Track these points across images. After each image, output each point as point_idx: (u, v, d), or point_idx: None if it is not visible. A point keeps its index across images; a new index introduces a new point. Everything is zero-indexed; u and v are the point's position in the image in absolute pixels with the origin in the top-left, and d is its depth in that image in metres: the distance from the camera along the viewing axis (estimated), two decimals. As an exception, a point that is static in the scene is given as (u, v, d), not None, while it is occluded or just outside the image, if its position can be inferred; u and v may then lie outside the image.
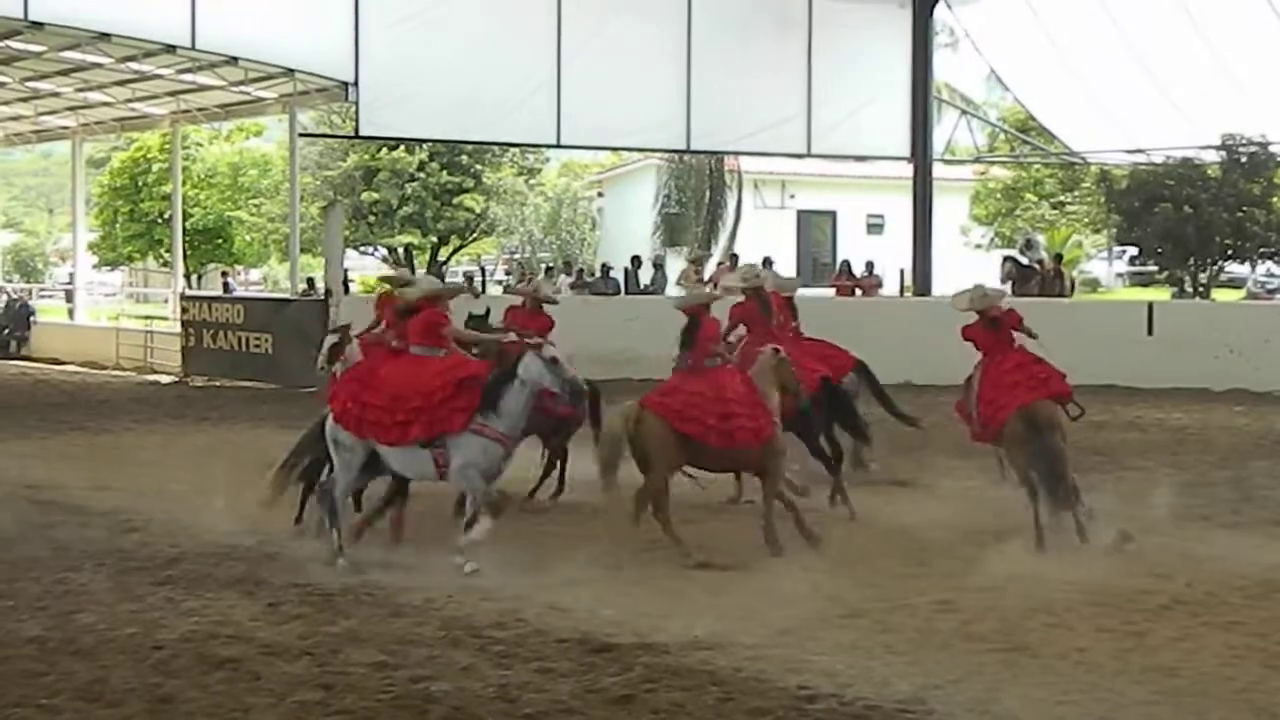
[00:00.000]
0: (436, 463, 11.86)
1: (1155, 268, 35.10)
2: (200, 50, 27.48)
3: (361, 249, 49.22)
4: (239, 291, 42.29)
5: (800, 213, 48.94)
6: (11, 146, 46.05)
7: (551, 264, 38.46)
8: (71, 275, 42.80)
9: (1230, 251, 32.24)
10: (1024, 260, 30.79)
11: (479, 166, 46.43)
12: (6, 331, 37.26)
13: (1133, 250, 35.22)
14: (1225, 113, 30.95)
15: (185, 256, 41.35)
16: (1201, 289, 32.21)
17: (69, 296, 42.15)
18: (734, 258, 35.12)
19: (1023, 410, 12.96)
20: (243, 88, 30.76)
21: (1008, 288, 30.10)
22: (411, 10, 28.29)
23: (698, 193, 45.59)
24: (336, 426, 12.12)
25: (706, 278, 32.17)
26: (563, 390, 12.27)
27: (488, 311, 16.34)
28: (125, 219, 47.46)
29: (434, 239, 47.37)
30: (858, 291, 31.38)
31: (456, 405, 11.83)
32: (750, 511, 13.70)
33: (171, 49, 27.59)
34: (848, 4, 31.78)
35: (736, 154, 40.59)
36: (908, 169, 33.94)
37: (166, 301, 39.33)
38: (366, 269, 49.84)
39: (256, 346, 27.87)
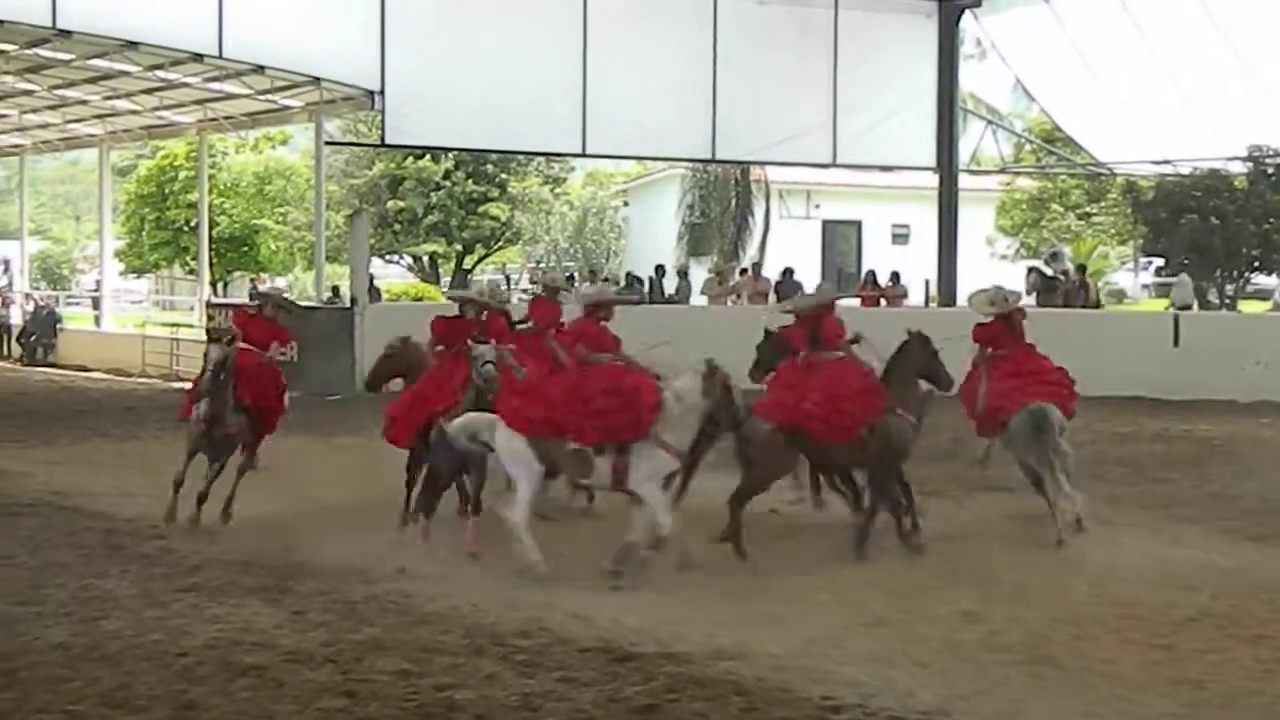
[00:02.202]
0: None
1: (1182, 279, 35.02)
2: (227, 59, 27.57)
3: (387, 257, 49.34)
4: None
5: (825, 223, 48.87)
6: (39, 154, 46.20)
7: (575, 272, 38.46)
8: (98, 282, 42.93)
9: (1257, 263, 32.15)
10: (1049, 271, 30.72)
11: (504, 175, 46.52)
12: (34, 338, 37.39)
13: (1159, 261, 35.14)
14: (1252, 124, 30.85)
15: (211, 264, 41.44)
16: (1228, 300, 32.12)
17: (95, 304, 42.29)
18: (756, 266, 35.14)
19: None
20: (269, 96, 30.82)
21: (1032, 298, 30.11)
22: (438, 20, 28.34)
23: (723, 202, 45.57)
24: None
25: (731, 286, 32.21)
26: None
27: None
28: (152, 227, 47.57)
29: (459, 247, 47.49)
30: (882, 302, 31.31)
31: None
32: (773, 521, 13.72)
33: (199, 58, 27.68)
34: (874, 14, 31.75)
35: (762, 164, 40.58)
36: (933, 179, 33.91)
37: (192, 309, 39.42)
38: (391, 277, 49.93)
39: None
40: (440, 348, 14.54)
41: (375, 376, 15.46)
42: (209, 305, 32.83)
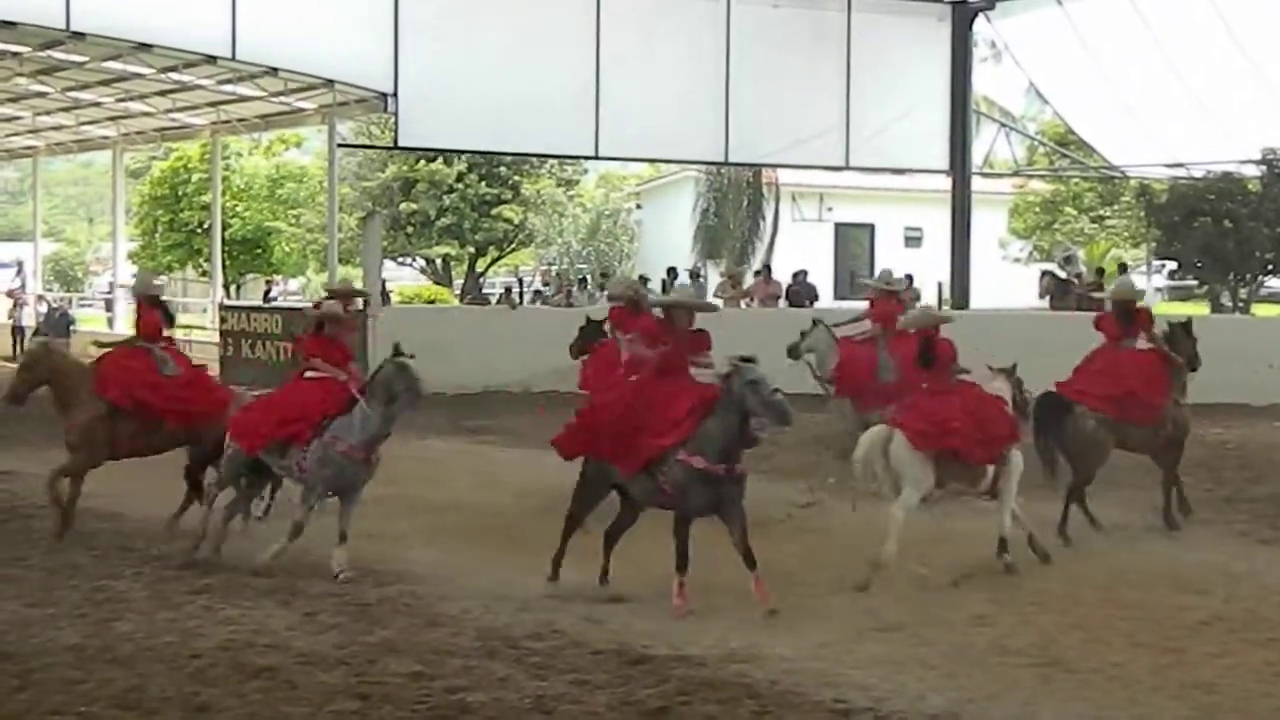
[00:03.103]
0: None
1: (1195, 282, 34.95)
2: (240, 61, 27.60)
3: (399, 259, 49.29)
4: (279, 302, 42.41)
5: (838, 225, 48.79)
6: (52, 156, 46.31)
7: (587, 275, 38.44)
8: (111, 284, 42.98)
9: (1270, 266, 32.05)
10: (1062, 274, 30.70)
11: (517, 178, 46.46)
12: (46, 340, 37.42)
13: (1172, 265, 35.07)
14: (1266, 127, 30.78)
15: (224, 266, 41.49)
16: (1241, 304, 32.05)
17: (108, 305, 42.34)
18: (767, 269, 35.12)
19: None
20: (282, 98, 30.86)
21: (1046, 301, 30.10)
22: (451, 22, 28.34)
23: (736, 205, 45.55)
24: None
25: (744, 289, 32.18)
26: None
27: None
28: (165, 228, 47.63)
29: (472, 250, 47.44)
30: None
31: None
32: (783, 526, 13.71)
33: (212, 59, 27.72)
34: (887, 16, 31.73)
35: (774, 166, 40.55)
36: (946, 182, 33.87)
37: (205, 311, 39.48)
38: (404, 279, 49.93)
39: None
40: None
41: (18, 389, 14.91)
42: (221, 307, 32.87)
